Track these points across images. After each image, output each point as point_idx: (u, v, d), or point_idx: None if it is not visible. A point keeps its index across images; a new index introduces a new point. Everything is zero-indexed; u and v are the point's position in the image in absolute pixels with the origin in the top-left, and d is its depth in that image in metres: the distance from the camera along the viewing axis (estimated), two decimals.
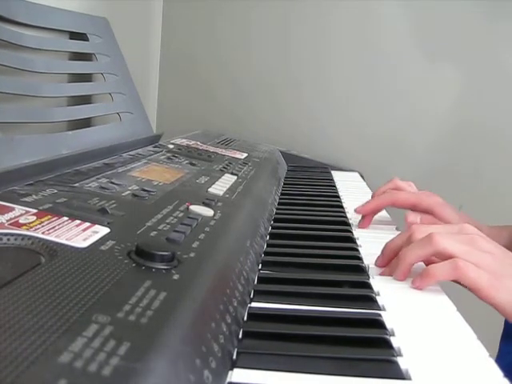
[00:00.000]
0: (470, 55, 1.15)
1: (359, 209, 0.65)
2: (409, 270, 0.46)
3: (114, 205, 0.43)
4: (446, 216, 0.61)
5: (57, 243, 0.33)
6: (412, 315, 0.40)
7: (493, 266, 0.44)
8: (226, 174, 0.68)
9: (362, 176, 1.06)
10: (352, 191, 0.85)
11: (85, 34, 0.82)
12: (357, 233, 0.60)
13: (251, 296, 0.41)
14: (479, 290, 0.43)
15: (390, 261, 0.49)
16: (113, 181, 0.51)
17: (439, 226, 0.50)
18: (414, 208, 0.64)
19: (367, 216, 0.65)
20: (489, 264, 0.44)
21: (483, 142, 1.16)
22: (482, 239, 0.46)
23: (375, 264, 0.50)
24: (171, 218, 0.43)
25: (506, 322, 0.60)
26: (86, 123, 0.79)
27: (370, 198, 0.67)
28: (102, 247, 0.34)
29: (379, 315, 0.38)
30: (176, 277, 0.32)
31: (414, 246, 0.46)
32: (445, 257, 0.44)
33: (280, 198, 0.74)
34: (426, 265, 0.47)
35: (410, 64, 1.18)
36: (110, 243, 0.35)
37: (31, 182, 0.46)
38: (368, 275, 0.47)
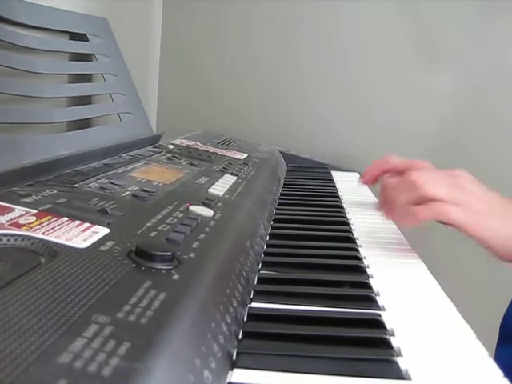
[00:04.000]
0: (468, 52, 1.15)
1: (362, 180, 0.72)
2: (406, 211, 0.50)
3: (114, 205, 0.43)
4: None
5: (57, 244, 0.33)
6: (412, 315, 0.40)
7: (477, 205, 0.48)
8: (226, 175, 0.68)
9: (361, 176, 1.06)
10: (352, 191, 0.85)
11: (85, 34, 0.82)
12: (356, 233, 0.61)
13: (251, 296, 0.41)
14: (463, 227, 0.47)
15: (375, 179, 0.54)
16: (113, 181, 0.51)
17: (429, 171, 0.54)
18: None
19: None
20: (473, 204, 0.48)
21: (483, 142, 1.16)
22: (468, 181, 0.50)
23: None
24: (171, 218, 0.43)
25: (502, 326, 0.61)
26: (85, 124, 0.79)
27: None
28: (102, 247, 0.34)
29: (379, 315, 0.38)
30: (176, 277, 0.32)
31: (400, 191, 0.51)
32: (429, 199, 0.48)
33: (280, 199, 0.74)
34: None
35: (408, 62, 1.18)
36: (110, 243, 0.35)
37: (31, 182, 0.46)
38: (368, 275, 0.47)
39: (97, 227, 0.37)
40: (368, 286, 0.44)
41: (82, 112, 0.76)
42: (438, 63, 1.17)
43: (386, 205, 0.54)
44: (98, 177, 0.52)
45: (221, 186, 0.60)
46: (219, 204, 0.52)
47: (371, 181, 0.71)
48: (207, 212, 0.47)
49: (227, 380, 0.29)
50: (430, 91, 1.18)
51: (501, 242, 0.47)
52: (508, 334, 0.60)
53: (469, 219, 0.47)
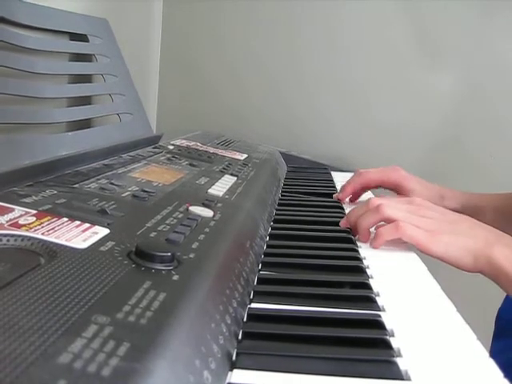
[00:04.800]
0: (469, 52, 1.15)
1: (340, 196, 0.77)
2: (368, 233, 0.58)
3: (114, 206, 0.43)
4: (410, 188, 0.75)
5: (56, 244, 0.33)
6: (412, 316, 0.40)
7: (430, 226, 0.54)
8: (226, 175, 0.68)
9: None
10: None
11: (85, 35, 0.82)
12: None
13: (251, 297, 0.41)
14: (419, 244, 0.53)
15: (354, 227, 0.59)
16: (113, 182, 0.51)
17: (390, 199, 0.60)
18: (383, 184, 0.76)
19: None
20: (427, 225, 0.54)
21: (484, 141, 1.16)
22: (424, 208, 0.57)
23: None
24: (171, 218, 0.43)
25: (497, 321, 0.61)
26: (85, 124, 0.79)
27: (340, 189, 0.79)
28: (102, 248, 0.34)
29: (379, 316, 0.38)
30: (176, 277, 0.32)
31: (366, 215, 0.58)
32: (390, 222, 0.55)
33: (280, 199, 0.74)
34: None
35: (410, 63, 1.18)
36: (110, 244, 0.35)
37: (31, 182, 0.46)
38: (368, 276, 0.47)
39: (96, 228, 0.37)
40: (368, 287, 0.44)
41: (81, 112, 0.76)
42: (438, 63, 1.17)
43: (352, 229, 0.60)
44: (98, 177, 0.52)
45: (221, 187, 0.60)
46: (219, 204, 0.52)
47: (346, 198, 0.78)
48: (207, 212, 0.47)
49: (227, 380, 0.29)
50: (431, 91, 1.18)
51: (455, 254, 0.52)
52: (502, 329, 0.61)
53: (424, 236, 0.53)
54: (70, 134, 0.69)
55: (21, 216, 0.36)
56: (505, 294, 0.62)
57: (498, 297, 0.63)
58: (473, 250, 0.52)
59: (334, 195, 0.78)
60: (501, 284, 0.51)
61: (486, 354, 0.35)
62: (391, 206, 0.57)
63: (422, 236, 0.53)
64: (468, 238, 0.53)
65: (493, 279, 0.52)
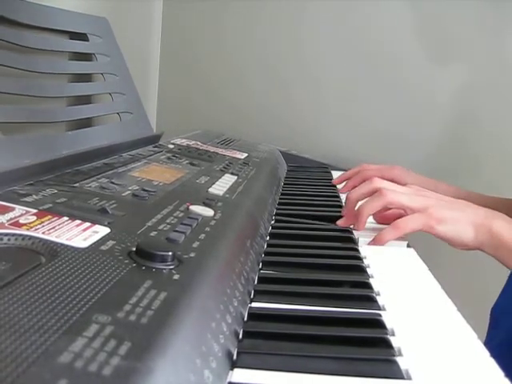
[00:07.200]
0: (472, 52, 1.15)
1: (335, 181, 0.87)
2: (365, 221, 0.58)
3: (115, 205, 0.43)
4: (404, 183, 0.75)
5: (57, 243, 0.33)
6: (412, 315, 0.40)
7: (431, 204, 0.55)
8: (227, 174, 0.68)
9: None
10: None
11: (85, 34, 0.82)
12: (357, 233, 0.61)
13: (251, 296, 0.41)
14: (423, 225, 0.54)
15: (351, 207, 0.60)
16: (113, 181, 0.51)
17: (390, 183, 0.61)
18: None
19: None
20: (433, 204, 0.55)
21: (484, 141, 1.16)
22: (421, 191, 0.59)
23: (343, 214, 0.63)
24: (171, 218, 0.43)
25: (492, 310, 0.62)
26: (85, 123, 0.79)
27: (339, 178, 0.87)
28: (103, 247, 0.34)
29: (379, 315, 0.38)
30: (176, 277, 0.32)
31: (369, 201, 0.57)
32: (394, 206, 0.57)
33: (280, 198, 0.74)
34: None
35: (412, 62, 1.18)
36: (111, 243, 0.35)
37: (31, 181, 0.46)
38: (368, 275, 0.47)
39: (97, 227, 0.37)
40: (368, 286, 0.44)
41: (81, 111, 0.76)
42: (444, 62, 1.17)
43: (352, 218, 0.60)
44: (98, 176, 0.52)
45: (221, 186, 0.60)
46: (219, 204, 0.52)
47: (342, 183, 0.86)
48: (207, 212, 0.47)
49: (227, 380, 0.29)
50: (435, 91, 1.18)
51: (457, 228, 0.54)
52: (493, 323, 0.61)
53: (448, 229, 0.54)
54: (70, 133, 0.69)
55: (21, 215, 0.36)
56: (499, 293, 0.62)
57: (496, 296, 0.63)
58: (474, 223, 0.54)
59: (333, 181, 0.87)
60: (501, 257, 0.53)
61: (487, 353, 0.35)
62: (394, 191, 0.57)
63: (448, 229, 0.54)
64: (468, 213, 0.55)
65: (492, 253, 0.54)
